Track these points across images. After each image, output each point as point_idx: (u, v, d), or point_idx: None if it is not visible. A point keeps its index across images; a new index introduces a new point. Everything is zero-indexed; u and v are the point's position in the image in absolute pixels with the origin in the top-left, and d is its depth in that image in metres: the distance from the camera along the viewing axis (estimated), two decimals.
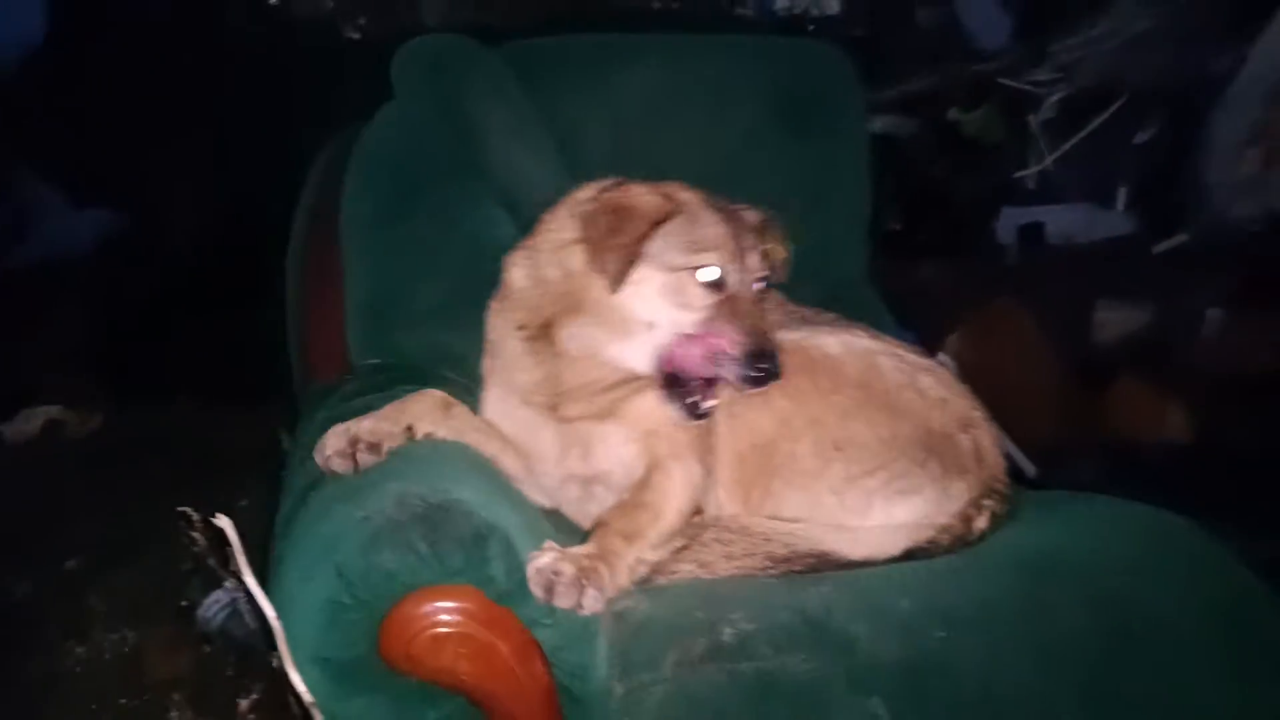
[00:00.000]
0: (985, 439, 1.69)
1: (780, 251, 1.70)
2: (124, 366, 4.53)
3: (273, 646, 2.44)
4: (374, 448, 1.45)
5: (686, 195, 1.61)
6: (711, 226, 1.57)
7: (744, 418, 1.59)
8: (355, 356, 1.92)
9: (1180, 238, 4.63)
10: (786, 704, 1.24)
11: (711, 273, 1.53)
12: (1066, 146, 5.61)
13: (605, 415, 1.64)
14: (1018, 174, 5.73)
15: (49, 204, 7.88)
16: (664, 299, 1.53)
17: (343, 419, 1.58)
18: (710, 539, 1.50)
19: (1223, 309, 3.60)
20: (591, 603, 1.26)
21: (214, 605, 2.77)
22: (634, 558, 1.41)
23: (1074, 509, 1.75)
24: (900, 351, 1.70)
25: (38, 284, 5.87)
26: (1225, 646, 1.42)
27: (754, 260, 1.59)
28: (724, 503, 1.61)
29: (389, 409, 1.57)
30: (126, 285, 5.68)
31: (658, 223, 1.54)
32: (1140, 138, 5.35)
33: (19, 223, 7.47)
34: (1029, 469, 3.09)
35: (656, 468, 1.59)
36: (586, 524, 1.62)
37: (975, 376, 3.17)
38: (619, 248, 1.51)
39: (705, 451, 1.62)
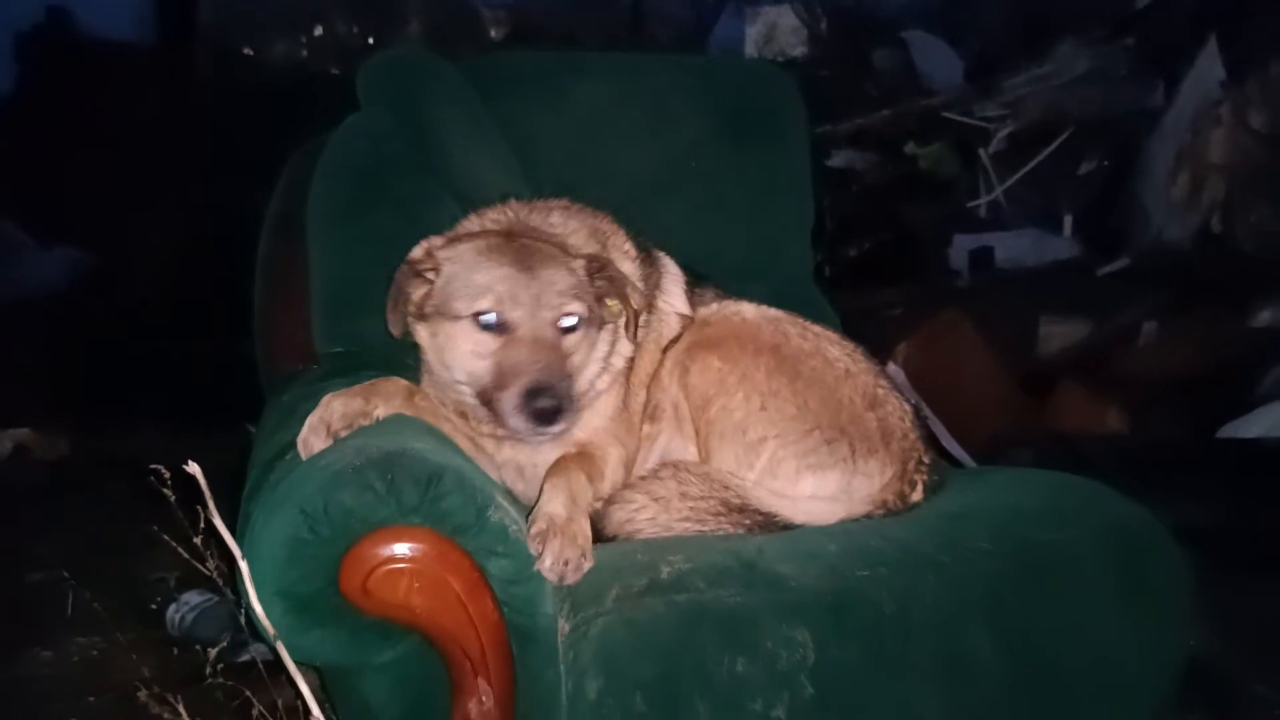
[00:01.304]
0: (893, 415, 1.75)
1: (614, 304, 1.70)
2: (91, 392, 4.58)
3: (242, 642, 2.49)
4: (348, 429, 1.49)
5: (465, 246, 1.66)
6: (488, 272, 1.59)
7: (690, 381, 1.70)
8: (320, 345, 2.01)
9: (1122, 261, 4.85)
10: (719, 630, 1.33)
11: (489, 317, 1.58)
12: (1015, 178, 5.87)
13: None
14: (970, 204, 5.97)
15: (17, 243, 7.96)
16: (457, 346, 1.61)
17: (309, 399, 1.68)
18: (668, 476, 1.59)
19: (1158, 320, 3.78)
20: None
21: (183, 608, 2.83)
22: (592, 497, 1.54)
23: (993, 476, 1.88)
24: (807, 324, 1.81)
25: (6, 313, 5.93)
26: (1116, 574, 1.57)
27: (550, 300, 1.59)
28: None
29: (358, 389, 1.65)
30: (94, 314, 5.75)
31: (419, 274, 1.63)
32: (1084, 168, 5.62)
33: None
34: (969, 465, 3.22)
35: (592, 446, 1.70)
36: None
37: (923, 383, 3.34)
38: (394, 308, 1.65)
39: (628, 437, 1.74)
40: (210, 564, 2.16)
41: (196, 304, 5.29)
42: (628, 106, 2.40)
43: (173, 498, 1.86)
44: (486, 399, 1.58)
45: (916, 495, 1.71)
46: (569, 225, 1.82)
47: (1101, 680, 1.52)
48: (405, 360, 1.99)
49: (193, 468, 1.29)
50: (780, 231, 2.52)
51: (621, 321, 1.70)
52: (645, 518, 1.55)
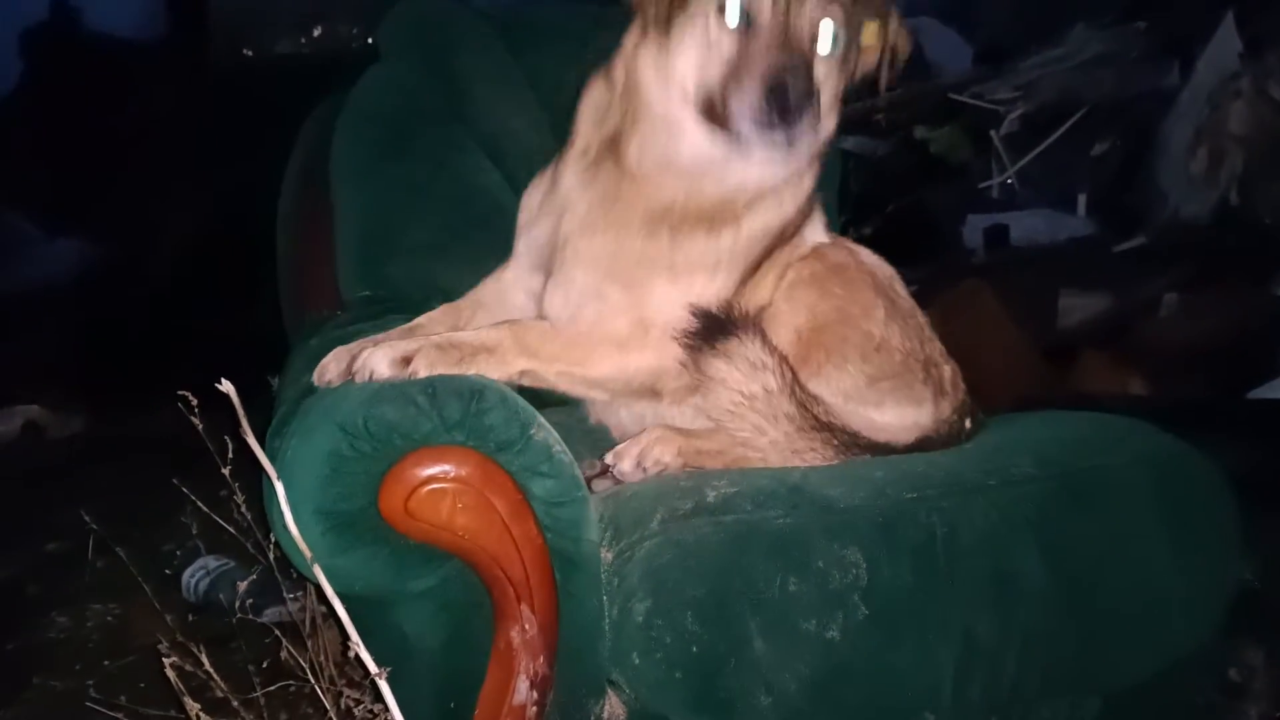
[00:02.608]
0: (955, 371, 1.82)
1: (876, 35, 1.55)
2: (104, 369, 4.56)
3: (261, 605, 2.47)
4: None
5: None
6: None
7: (803, 300, 1.64)
8: (346, 291, 1.99)
9: (1138, 239, 4.81)
10: (769, 549, 1.30)
11: (734, 11, 1.44)
12: (1027, 158, 5.84)
13: None
14: (982, 184, 5.94)
15: (25, 235, 7.97)
16: (697, 50, 1.47)
17: (338, 343, 1.66)
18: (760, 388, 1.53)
19: (1179, 293, 3.74)
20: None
21: (198, 572, 2.80)
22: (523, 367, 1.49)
23: (1030, 417, 1.90)
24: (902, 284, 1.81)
25: (15, 301, 5.92)
26: (1160, 499, 1.56)
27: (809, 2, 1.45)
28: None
29: (396, 332, 1.63)
30: (103, 300, 5.74)
31: None
32: (1098, 149, 5.58)
33: None
34: None
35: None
36: None
37: (946, 351, 3.30)
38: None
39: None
40: (236, 514, 2.14)
41: (206, 284, 5.30)
42: None
43: (200, 425, 1.83)
44: (711, 107, 1.46)
45: (971, 426, 1.78)
46: None
47: (1148, 603, 1.52)
48: (431, 305, 1.97)
49: (225, 386, 1.25)
50: None
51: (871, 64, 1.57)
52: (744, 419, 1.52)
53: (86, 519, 3.26)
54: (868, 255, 1.78)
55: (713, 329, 1.51)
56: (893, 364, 1.65)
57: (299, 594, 2.40)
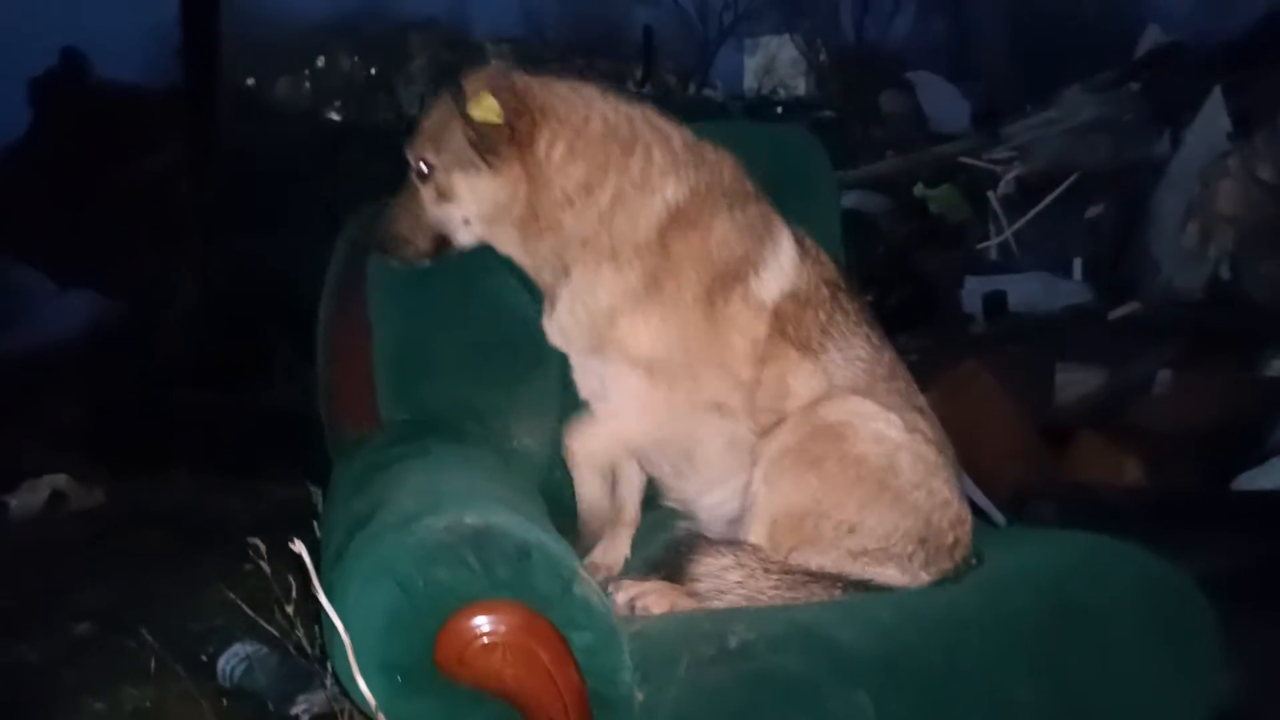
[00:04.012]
0: (965, 532, 1.84)
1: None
2: (123, 438, 4.67)
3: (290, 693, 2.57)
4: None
5: None
6: None
7: (781, 488, 1.75)
8: (385, 411, 2.11)
9: (1133, 305, 4.96)
10: (784, 696, 1.42)
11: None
12: (1024, 220, 6.02)
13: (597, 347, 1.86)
14: (980, 245, 6.11)
15: (37, 288, 8.08)
16: None
17: (380, 468, 1.81)
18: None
19: (1172, 369, 3.88)
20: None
21: (232, 659, 2.90)
22: None
23: (1028, 538, 2.01)
24: (924, 447, 1.81)
25: (35, 359, 6.03)
26: (1147, 629, 1.69)
27: (412, 150, 1.83)
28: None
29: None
30: (118, 360, 5.85)
31: None
32: (1091, 212, 5.76)
33: (9, 307, 7.65)
34: (999, 519, 3.31)
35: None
36: None
37: (947, 434, 3.43)
38: None
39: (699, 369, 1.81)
40: (278, 618, 2.25)
41: (221, 350, 5.41)
42: None
43: (269, 570, 1.95)
44: None
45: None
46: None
47: None
48: (466, 426, 2.10)
49: (298, 546, 1.38)
50: None
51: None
52: (734, 580, 1.64)
53: (115, 599, 3.38)
54: (871, 418, 1.78)
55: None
56: (875, 543, 1.72)
57: (331, 683, 2.50)
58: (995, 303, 5.02)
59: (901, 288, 5.20)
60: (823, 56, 26.39)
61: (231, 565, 3.73)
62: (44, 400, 5.29)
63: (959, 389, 3.43)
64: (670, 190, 1.82)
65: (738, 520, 1.85)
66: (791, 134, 2.75)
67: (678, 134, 1.91)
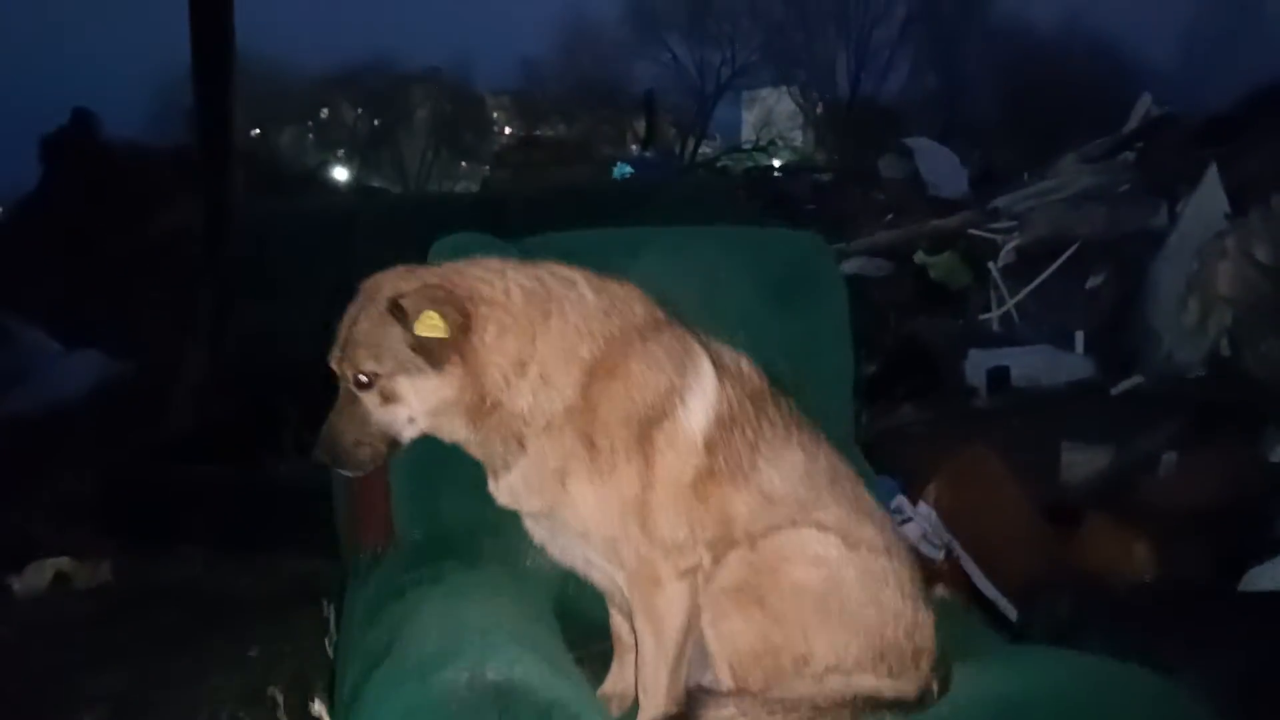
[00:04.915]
0: (925, 636, 1.82)
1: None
2: (129, 512, 4.66)
3: None
4: None
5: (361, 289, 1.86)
6: (342, 320, 1.83)
7: (726, 632, 1.77)
8: (400, 528, 2.12)
9: (1136, 379, 4.99)
10: None
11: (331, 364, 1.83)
12: (1025, 291, 6.07)
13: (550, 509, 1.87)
14: (983, 316, 6.16)
15: (44, 350, 8.09)
16: None
17: (395, 597, 1.82)
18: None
19: (1177, 450, 3.89)
20: None
21: None
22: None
23: (1041, 662, 1.98)
24: (869, 559, 1.80)
25: (40, 425, 6.03)
26: None
27: (344, 360, 1.79)
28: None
29: None
30: (129, 428, 5.84)
31: None
32: (1091, 283, 5.82)
33: (14, 367, 7.64)
34: (1011, 613, 3.30)
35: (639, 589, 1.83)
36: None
37: (955, 522, 3.43)
38: None
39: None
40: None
41: (230, 420, 5.40)
42: (677, 283, 2.50)
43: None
44: None
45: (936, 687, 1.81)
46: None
47: None
48: (480, 545, 2.11)
49: (318, 708, 1.38)
50: (822, 394, 2.63)
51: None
52: None
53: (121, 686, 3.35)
54: (807, 543, 1.78)
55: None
56: (832, 664, 1.73)
57: None
58: (999, 379, 5.04)
59: (905, 361, 5.23)
60: (819, 109, 26.86)
61: (237, 650, 3.75)
62: (49, 471, 5.29)
63: (966, 475, 3.44)
64: (586, 349, 1.84)
65: None
66: (800, 239, 2.79)
67: (583, 279, 1.93)
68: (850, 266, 7.24)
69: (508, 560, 2.09)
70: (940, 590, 3.36)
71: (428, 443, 2.18)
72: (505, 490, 1.92)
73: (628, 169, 9.07)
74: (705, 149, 26.92)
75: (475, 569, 2.04)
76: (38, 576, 4.22)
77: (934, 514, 3.47)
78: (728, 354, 2.01)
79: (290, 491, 4.46)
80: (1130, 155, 6.17)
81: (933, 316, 6.26)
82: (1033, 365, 5.25)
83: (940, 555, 3.47)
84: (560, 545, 1.97)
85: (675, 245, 2.64)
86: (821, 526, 1.81)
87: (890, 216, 8.28)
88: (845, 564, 1.77)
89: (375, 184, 25.16)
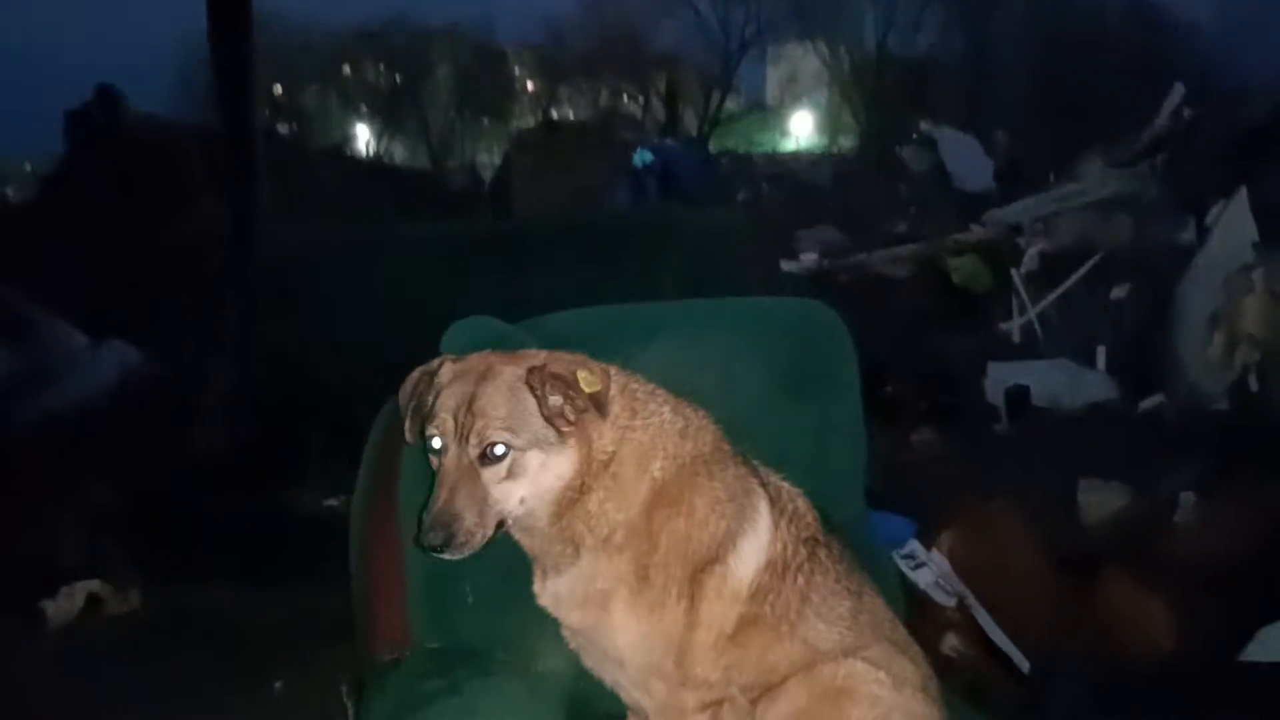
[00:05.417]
0: None
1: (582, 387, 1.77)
2: (156, 545, 4.71)
3: None
4: None
5: (447, 369, 1.80)
6: (440, 396, 1.76)
7: None
8: (417, 635, 2.17)
9: (1158, 397, 4.95)
10: None
11: (435, 442, 1.75)
12: (1048, 300, 6.01)
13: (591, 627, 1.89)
14: (1004, 325, 6.11)
15: (68, 340, 8.06)
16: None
17: (411, 710, 1.86)
18: None
19: (1196, 491, 3.87)
20: None
21: None
22: None
23: None
24: (913, 702, 1.85)
25: (67, 433, 6.08)
26: None
27: (472, 430, 1.71)
28: None
29: None
30: (155, 441, 5.87)
31: (420, 394, 1.81)
32: (1116, 294, 5.75)
33: (43, 362, 7.66)
34: (1023, 664, 3.33)
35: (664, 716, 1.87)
36: None
37: (968, 575, 3.45)
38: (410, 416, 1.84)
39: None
40: None
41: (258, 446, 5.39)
42: (691, 368, 2.50)
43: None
44: None
45: None
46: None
47: None
48: (494, 654, 2.15)
49: None
50: (835, 477, 2.65)
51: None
52: None
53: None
54: (865, 680, 1.83)
55: None
56: None
57: None
58: (1019, 399, 5.01)
59: (924, 383, 5.19)
60: (846, 66, 26.34)
61: (266, 679, 3.85)
62: (78, 481, 5.35)
63: (981, 529, 3.45)
64: (659, 467, 1.85)
65: None
66: (813, 315, 2.76)
67: (662, 395, 1.94)
68: (875, 260, 7.20)
69: (520, 668, 2.14)
70: (952, 640, 3.40)
71: (438, 564, 2.23)
72: (549, 594, 1.94)
73: (649, 156, 9.00)
74: (730, 105, 26.63)
75: (490, 676, 2.09)
76: (70, 601, 4.32)
77: (946, 563, 3.48)
78: (786, 492, 2.01)
79: (314, 521, 4.54)
80: (1159, 161, 6.04)
81: (953, 326, 6.21)
82: (1054, 383, 5.21)
83: (952, 603, 3.49)
84: (593, 660, 2.00)
85: (687, 329, 2.62)
86: (869, 661, 1.85)
87: (913, 209, 8.17)
88: (895, 707, 1.82)
89: (399, 149, 25.10)
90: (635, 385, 1.92)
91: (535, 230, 5.31)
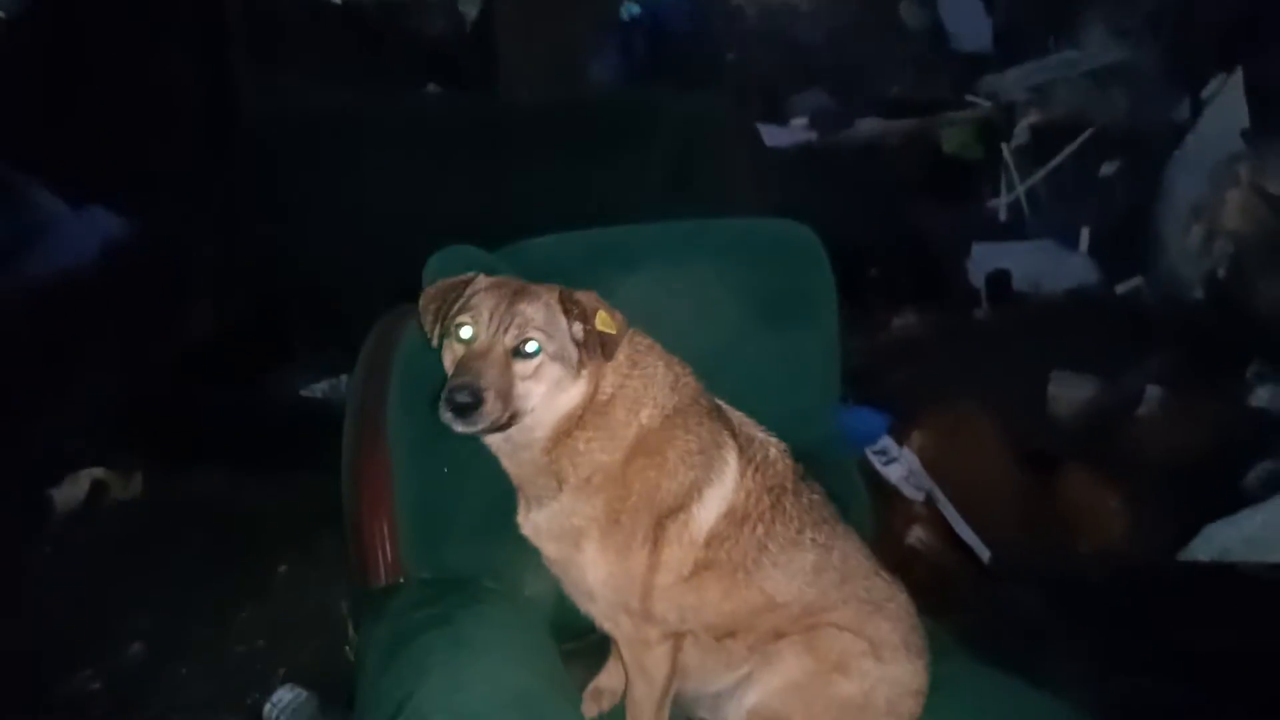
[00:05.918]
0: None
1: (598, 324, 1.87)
2: (157, 425, 4.77)
3: None
4: None
5: (482, 279, 1.92)
6: (476, 296, 1.86)
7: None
8: (407, 567, 2.30)
9: (1136, 280, 5.02)
10: None
11: (465, 331, 1.83)
12: (1037, 176, 5.96)
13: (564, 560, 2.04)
14: (991, 202, 6.08)
15: (49, 211, 7.81)
16: (445, 356, 1.89)
17: (405, 641, 2.01)
18: None
19: (1160, 386, 3.99)
20: None
21: (275, 707, 3.21)
22: None
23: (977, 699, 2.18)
24: (892, 669, 1.99)
25: (56, 306, 6.02)
26: None
27: (511, 324, 1.80)
28: None
29: None
30: (141, 298, 5.75)
31: (451, 298, 1.90)
32: (1105, 170, 5.70)
33: (22, 230, 7.47)
34: (984, 553, 3.54)
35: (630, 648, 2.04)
36: None
37: (936, 472, 3.61)
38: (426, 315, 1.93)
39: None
40: None
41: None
42: (672, 304, 2.53)
43: None
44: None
45: None
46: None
47: None
48: (483, 583, 2.30)
49: None
50: (809, 400, 2.74)
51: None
52: None
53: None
54: (855, 655, 1.96)
55: None
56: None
57: None
58: (1000, 283, 5.06)
59: (909, 264, 5.21)
60: None
61: (270, 567, 4.02)
62: (70, 362, 5.36)
63: (953, 432, 3.58)
64: (647, 414, 1.95)
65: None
66: (790, 233, 2.77)
67: (657, 350, 2.06)
68: (863, 131, 7.06)
69: (508, 594, 2.29)
70: (918, 532, 3.60)
71: (430, 490, 2.34)
72: (531, 525, 2.08)
73: (635, 9, 8.55)
74: None
75: (480, 604, 2.24)
76: (76, 487, 4.42)
77: (916, 460, 3.64)
78: (759, 442, 2.11)
79: (308, 406, 4.61)
80: (1161, 34, 5.84)
81: (942, 199, 6.17)
82: (1036, 266, 5.26)
83: (921, 498, 3.67)
84: (569, 588, 2.15)
85: (664, 256, 2.63)
86: (835, 625, 1.98)
87: (909, 69, 7.93)
88: (880, 679, 1.97)
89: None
90: (639, 339, 2.03)
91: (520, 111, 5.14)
